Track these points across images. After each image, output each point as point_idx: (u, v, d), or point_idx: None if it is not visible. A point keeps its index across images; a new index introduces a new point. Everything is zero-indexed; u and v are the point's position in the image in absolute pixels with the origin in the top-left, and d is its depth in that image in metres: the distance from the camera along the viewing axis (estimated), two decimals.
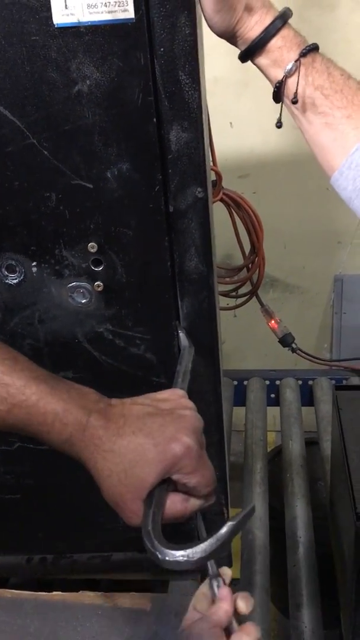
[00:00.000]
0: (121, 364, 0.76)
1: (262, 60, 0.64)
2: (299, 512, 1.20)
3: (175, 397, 0.57)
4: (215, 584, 0.53)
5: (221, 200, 1.40)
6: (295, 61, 0.62)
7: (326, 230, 1.86)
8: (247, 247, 1.45)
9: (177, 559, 0.47)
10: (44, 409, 0.52)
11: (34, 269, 0.71)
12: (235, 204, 1.43)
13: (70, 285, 0.71)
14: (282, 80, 0.63)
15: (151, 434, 0.52)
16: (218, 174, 1.33)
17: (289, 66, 0.62)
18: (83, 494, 0.86)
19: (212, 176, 1.31)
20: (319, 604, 1.03)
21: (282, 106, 0.66)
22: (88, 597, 0.88)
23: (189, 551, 0.48)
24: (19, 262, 0.71)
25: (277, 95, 0.65)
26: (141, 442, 0.51)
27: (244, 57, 0.66)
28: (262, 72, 0.67)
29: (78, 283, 0.71)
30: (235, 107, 1.72)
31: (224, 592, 0.52)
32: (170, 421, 0.53)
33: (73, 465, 0.75)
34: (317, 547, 1.15)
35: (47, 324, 0.74)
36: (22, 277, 0.71)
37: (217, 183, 1.35)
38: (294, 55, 0.62)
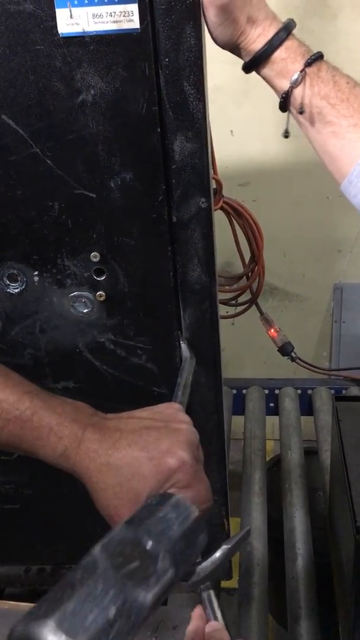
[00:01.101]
0: (122, 374, 0.75)
1: (266, 71, 0.64)
2: (298, 523, 1.19)
3: (171, 411, 0.57)
4: (206, 596, 0.52)
5: (221, 208, 1.40)
6: (301, 71, 0.62)
7: (326, 239, 1.86)
8: (247, 256, 1.45)
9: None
10: (38, 423, 0.52)
11: (36, 278, 0.71)
12: (235, 212, 1.43)
13: (72, 294, 0.71)
14: (288, 90, 0.63)
15: (146, 447, 0.52)
16: (219, 183, 1.33)
17: (295, 77, 0.62)
18: (81, 504, 0.85)
19: (212, 184, 1.31)
20: (317, 618, 1.02)
21: (288, 116, 0.66)
22: None
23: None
24: (20, 271, 0.70)
25: (284, 106, 0.65)
26: (136, 456, 0.51)
27: (248, 68, 0.66)
28: (267, 83, 0.67)
29: (80, 293, 0.71)
30: (236, 116, 1.72)
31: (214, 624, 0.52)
32: (166, 434, 0.53)
33: (72, 476, 0.74)
34: (317, 557, 1.14)
35: (48, 333, 0.74)
36: (23, 287, 0.71)
37: (217, 191, 1.35)
38: (299, 65, 0.62)
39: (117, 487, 0.50)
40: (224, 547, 0.50)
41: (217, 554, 0.50)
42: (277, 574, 1.16)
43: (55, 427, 0.52)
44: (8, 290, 0.71)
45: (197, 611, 0.54)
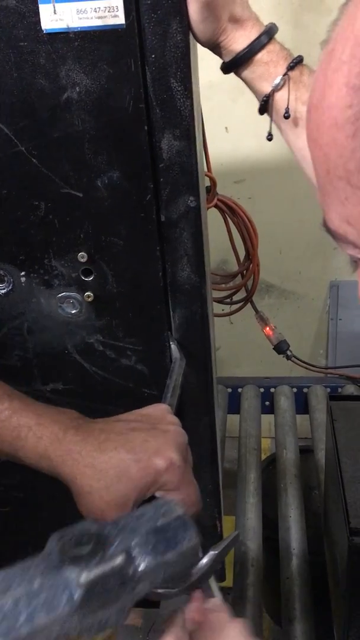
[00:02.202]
0: (112, 375, 0.75)
1: (247, 73, 0.64)
2: (293, 523, 1.18)
3: (159, 413, 0.56)
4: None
5: (216, 206, 1.39)
6: (284, 75, 0.61)
7: (322, 236, 1.82)
8: (242, 254, 1.44)
9: (157, 590, 0.46)
10: (16, 422, 0.51)
11: (23, 279, 0.70)
12: (230, 210, 1.42)
13: (59, 295, 0.70)
14: (269, 94, 0.62)
15: (133, 450, 0.50)
16: (212, 180, 1.32)
17: (277, 80, 0.62)
18: (73, 507, 0.85)
19: (206, 182, 1.30)
20: (312, 618, 1.01)
21: (271, 118, 0.65)
22: None
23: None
24: (7, 272, 0.69)
25: (264, 109, 0.65)
26: (123, 458, 0.50)
27: (227, 68, 0.65)
28: (246, 84, 0.66)
29: (68, 293, 0.70)
30: (230, 112, 1.71)
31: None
32: (153, 436, 0.52)
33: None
34: (312, 556, 1.13)
35: (36, 334, 0.73)
36: (10, 287, 0.70)
37: (211, 189, 1.34)
38: (282, 69, 0.62)
39: (103, 491, 0.49)
40: (211, 552, 0.49)
41: (205, 559, 0.49)
42: (273, 572, 1.16)
43: (35, 426, 0.51)
44: None
45: (198, 593, 0.53)
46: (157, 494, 0.51)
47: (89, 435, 0.51)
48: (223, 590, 0.54)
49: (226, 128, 1.75)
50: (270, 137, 0.66)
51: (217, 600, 0.51)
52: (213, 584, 0.52)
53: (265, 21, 1.87)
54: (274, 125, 0.66)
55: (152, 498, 0.51)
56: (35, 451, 0.51)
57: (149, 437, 0.52)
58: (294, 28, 1.68)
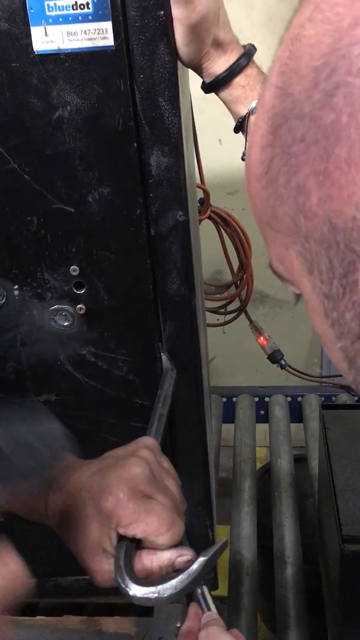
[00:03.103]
0: (104, 386, 0.76)
1: (225, 95, 0.67)
2: (287, 531, 1.19)
3: (134, 446, 0.56)
4: (199, 592, 0.52)
5: (209, 217, 1.41)
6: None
7: None
8: (236, 264, 1.46)
9: (148, 595, 0.47)
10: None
11: (16, 292, 0.71)
12: (223, 221, 1.44)
13: (52, 308, 0.71)
14: (245, 116, 0.65)
15: (92, 492, 0.52)
16: (206, 192, 1.34)
17: (253, 104, 0.64)
18: None
19: (200, 194, 1.32)
20: (306, 626, 1.02)
21: (246, 139, 0.67)
22: (72, 621, 0.86)
23: (159, 587, 0.48)
24: (0, 285, 0.71)
25: (239, 129, 0.67)
26: (85, 500, 0.52)
27: (207, 89, 0.68)
28: (225, 105, 0.68)
29: (60, 306, 0.71)
30: (224, 125, 1.73)
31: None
32: (110, 472, 0.53)
33: None
34: (307, 564, 1.14)
35: (29, 346, 0.74)
36: (3, 300, 0.71)
37: (205, 201, 1.36)
38: (257, 94, 0.64)
39: (77, 539, 0.52)
40: (201, 559, 0.50)
41: (194, 566, 0.50)
42: (268, 581, 1.16)
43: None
44: None
45: (192, 609, 0.54)
46: (119, 530, 0.52)
47: (66, 489, 0.54)
48: (218, 599, 0.55)
49: (220, 140, 1.78)
50: (245, 158, 0.68)
51: (212, 613, 0.52)
52: (207, 595, 0.53)
53: (257, 35, 1.89)
54: None
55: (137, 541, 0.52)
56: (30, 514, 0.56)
57: (106, 474, 0.53)
58: None
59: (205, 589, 0.53)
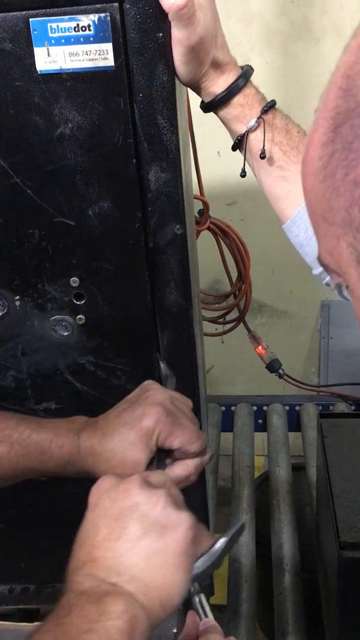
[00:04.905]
0: (103, 394, 0.77)
1: (223, 114, 0.68)
2: (285, 539, 1.20)
3: (139, 389, 0.65)
4: (197, 599, 0.54)
5: (208, 228, 1.43)
6: (258, 118, 0.65)
7: None
8: (235, 274, 1.48)
9: None
10: (38, 437, 0.60)
11: (17, 303, 0.73)
12: (222, 232, 1.46)
13: (52, 318, 0.73)
14: (244, 134, 0.66)
15: (127, 423, 0.60)
16: (205, 203, 1.35)
17: (252, 123, 0.66)
18: (65, 523, 0.87)
19: (199, 205, 1.34)
20: (305, 633, 1.03)
21: (245, 157, 0.69)
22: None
23: None
24: (2, 296, 0.72)
25: (237, 147, 0.69)
26: (121, 431, 0.60)
27: (206, 108, 0.70)
28: (223, 123, 0.70)
29: (60, 316, 0.73)
30: (223, 137, 1.76)
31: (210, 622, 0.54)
32: (138, 404, 0.62)
33: (56, 494, 0.77)
34: (305, 572, 1.15)
35: (30, 356, 0.75)
36: (5, 311, 0.73)
37: (204, 212, 1.38)
38: (256, 112, 0.66)
39: (120, 465, 0.59)
40: (222, 539, 0.52)
41: (217, 545, 0.52)
42: (266, 589, 1.17)
43: (55, 438, 0.60)
44: None
45: (190, 617, 0.56)
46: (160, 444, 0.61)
47: (95, 429, 0.61)
48: (217, 608, 0.56)
49: (218, 152, 1.80)
50: (243, 174, 0.70)
51: (209, 620, 0.53)
52: (204, 602, 0.54)
53: (255, 49, 1.92)
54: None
55: (164, 453, 0.61)
56: (61, 459, 0.60)
57: (134, 407, 0.62)
58: (283, 56, 1.74)
59: (202, 596, 0.54)
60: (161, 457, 0.61)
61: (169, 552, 0.48)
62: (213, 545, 0.51)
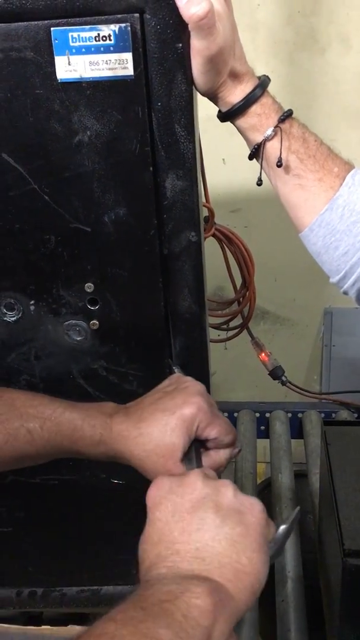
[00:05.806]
0: (114, 399, 0.77)
1: (240, 123, 0.69)
2: (288, 546, 1.20)
3: (174, 378, 0.68)
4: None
5: (213, 235, 1.43)
6: (275, 127, 0.66)
7: (316, 264, 1.88)
8: (239, 281, 1.48)
9: None
10: (70, 416, 0.61)
11: (32, 307, 0.73)
12: (226, 239, 1.46)
13: (66, 323, 0.74)
14: (261, 143, 0.67)
15: (166, 409, 0.61)
16: (211, 211, 1.36)
17: (269, 132, 0.67)
18: (74, 527, 0.87)
19: (205, 213, 1.35)
20: None
21: (261, 165, 0.70)
22: (77, 631, 0.87)
23: None
24: (17, 300, 0.73)
25: (254, 156, 0.70)
26: (161, 417, 0.60)
27: (224, 118, 0.70)
28: (240, 132, 0.71)
29: (74, 321, 0.74)
30: (227, 144, 1.77)
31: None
32: (177, 393, 0.63)
33: (65, 498, 0.77)
34: (306, 580, 1.15)
35: (43, 360, 0.76)
36: (20, 315, 0.74)
37: (209, 219, 1.39)
38: (273, 122, 0.67)
39: (156, 449, 0.59)
40: (283, 526, 0.54)
41: (280, 532, 0.53)
42: (268, 595, 1.17)
43: (86, 417, 0.61)
44: (5, 318, 0.74)
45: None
46: (198, 432, 0.62)
47: (129, 414, 0.62)
48: None
49: (223, 159, 1.81)
50: (260, 183, 0.71)
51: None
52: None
53: (261, 59, 1.93)
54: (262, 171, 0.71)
55: (198, 442, 0.63)
56: (93, 439, 0.61)
57: (174, 395, 0.63)
58: (289, 66, 1.75)
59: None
60: (196, 446, 0.63)
61: (250, 535, 0.49)
62: (276, 533, 0.53)
